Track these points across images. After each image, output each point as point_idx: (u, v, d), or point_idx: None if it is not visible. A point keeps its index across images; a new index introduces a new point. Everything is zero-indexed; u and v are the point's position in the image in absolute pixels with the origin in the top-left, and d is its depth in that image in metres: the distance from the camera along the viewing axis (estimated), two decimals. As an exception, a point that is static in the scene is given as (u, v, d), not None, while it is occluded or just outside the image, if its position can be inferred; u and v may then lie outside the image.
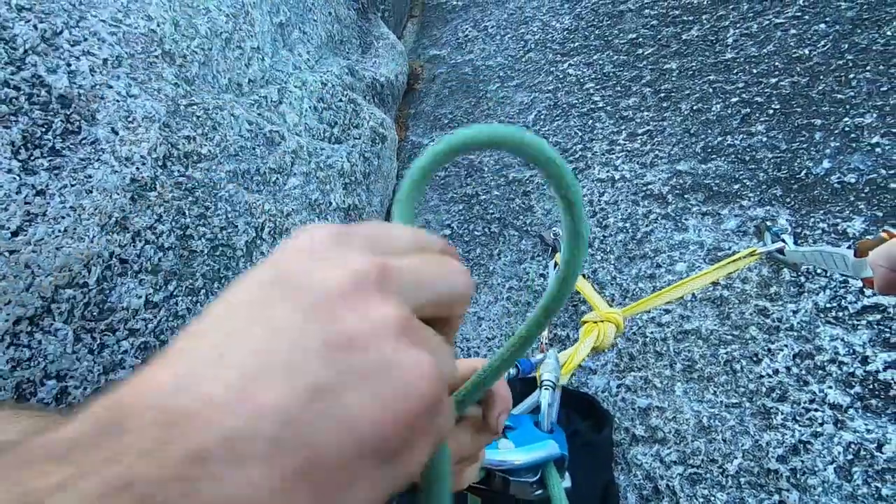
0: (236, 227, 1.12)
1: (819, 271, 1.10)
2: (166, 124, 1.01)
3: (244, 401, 0.15)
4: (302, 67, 1.59)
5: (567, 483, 0.52)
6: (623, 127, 1.66)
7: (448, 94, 2.29)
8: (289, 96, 1.44)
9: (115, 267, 0.86)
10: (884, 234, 0.57)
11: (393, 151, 1.93)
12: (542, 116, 1.89)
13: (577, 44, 2.09)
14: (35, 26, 0.85)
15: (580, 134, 1.73)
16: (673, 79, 1.70)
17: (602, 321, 0.80)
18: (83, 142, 0.86)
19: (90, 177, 0.85)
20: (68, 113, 0.85)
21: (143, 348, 0.91)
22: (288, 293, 0.18)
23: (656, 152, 1.53)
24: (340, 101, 1.64)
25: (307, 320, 0.17)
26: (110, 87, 0.93)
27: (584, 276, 1.33)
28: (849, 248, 0.70)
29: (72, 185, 0.82)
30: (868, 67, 1.37)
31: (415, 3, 3.11)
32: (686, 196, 1.38)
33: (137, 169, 0.93)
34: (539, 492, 0.50)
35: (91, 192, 0.84)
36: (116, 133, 0.91)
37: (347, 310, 0.18)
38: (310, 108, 1.51)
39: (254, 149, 1.22)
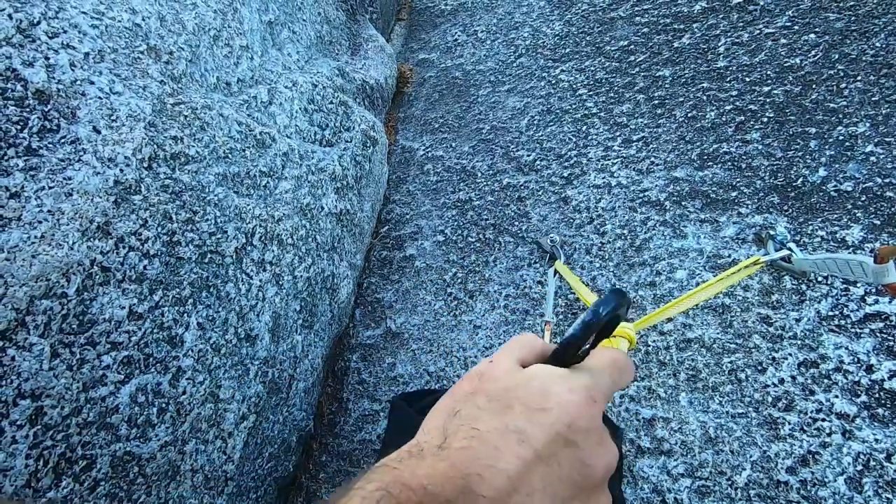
0: (226, 232, 1.06)
1: (820, 279, 1.10)
2: (152, 124, 0.95)
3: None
4: (292, 68, 1.54)
5: None
6: (618, 133, 1.65)
7: (438, 98, 2.26)
8: (279, 97, 1.39)
9: (96, 276, 0.80)
10: None
11: (384, 155, 1.89)
12: (536, 121, 1.87)
13: (568, 50, 2.09)
14: (10, 16, 0.79)
15: (574, 140, 1.72)
16: (666, 86, 1.70)
17: (615, 337, 0.77)
18: (62, 141, 0.80)
19: (70, 178, 0.78)
20: (46, 109, 0.79)
21: (127, 363, 0.84)
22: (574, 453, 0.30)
23: (652, 159, 1.52)
24: (331, 103, 1.60)
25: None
26: (92, 83, 0.87)
27: (585, 283, 1.31)
28: (867, 254, 0.69)
29: (50, 188, 0.76)
30: (859, 77, 1.39)
31: (402, 6, 3.08)
32: (684, 203, 1.37)
33: (121, 171, 0.86)
34: None
35: (71, 194, 0.78)
36: (99, 132, 0.85)
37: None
38: (300, 109, 1.46)
39: (244, 151, 1.17)
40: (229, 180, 1.10)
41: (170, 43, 1.07)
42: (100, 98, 0.87)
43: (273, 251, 1.19)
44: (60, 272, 0.75)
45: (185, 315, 0.96)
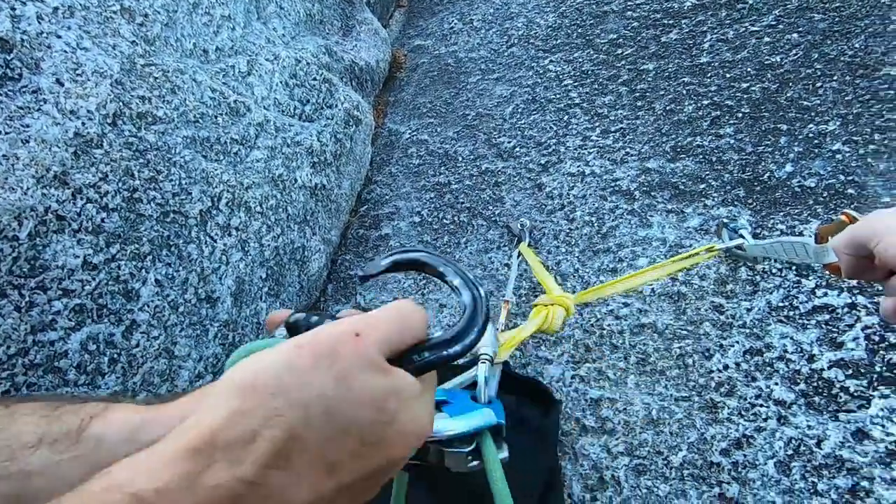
0: (190, 194, 1.08)
1: (774, 271, 1.11)
2: (119, 82, 0.97)
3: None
4: (276, 42, 1.56)
5: (504, 454, 0.50)
6: (597, 124, 1.66)
7: (429, 84, 2.27)
8: (259, 69, 1.41)
9: (50, 223, 0.83)
10: (843, 218, 0.55)
11: (368, 136, 1.91)
12: (520, 110, 1.88)
13: (559, 41, 2.10)
14: (-23, -35, 0.81)
15: (555, 128, 1.73)
16: (649, 79, 1.71)
17: (552, 304, 0.79)
18: (23, 90, 0.82)
19: (28, 126, 0.81)
20: (8, 58, 0.81)
21: (79, 310, 0.87)
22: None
23: (627, 149, 1.53)
24: (315, 79, 1.61)
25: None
26: (59, 36, 0.89)
27: (545, 265, 1.32)
28: (809, 235, 0.70)
29: (6, 133, 0.78)
30: (835, 77, 1.39)
31: (403, -7, 3.08)
32: (653, 193, 1.39)
33: (83, 124, 0.89)
34: (474, 463, 0.48)
35: (28, 142, 0.80)
36: (62, 84, 0.87)
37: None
38: (281, 83, 1.48)
39: (216, 117, 1.19)
40: (198, 144, 1.12)
41: (145, 5, 1.09)
42: (66, 52, 0.89)
43: (240, 217, 1.21)
44: (12, 215, 0.77)
45: (143, 271, 0.98)
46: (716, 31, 1.73)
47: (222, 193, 1.16)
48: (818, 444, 0.89)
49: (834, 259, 0.56)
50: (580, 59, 1.94)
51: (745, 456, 0.92)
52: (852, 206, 1.14)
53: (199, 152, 1.12)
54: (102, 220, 0.91)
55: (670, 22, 1.87)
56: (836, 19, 1.53)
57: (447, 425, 0.47)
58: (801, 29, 1.57)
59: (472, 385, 0.64)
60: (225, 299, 1.17)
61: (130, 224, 0.96)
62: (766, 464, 0.90)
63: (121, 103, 0.96)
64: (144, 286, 0.99)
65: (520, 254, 1.30)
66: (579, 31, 2.08)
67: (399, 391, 0.29)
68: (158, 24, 1.12)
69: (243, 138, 1.26)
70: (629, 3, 2.06)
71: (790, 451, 0.90)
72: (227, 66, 1.30)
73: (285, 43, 1.61)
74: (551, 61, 2.02)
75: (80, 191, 0.87)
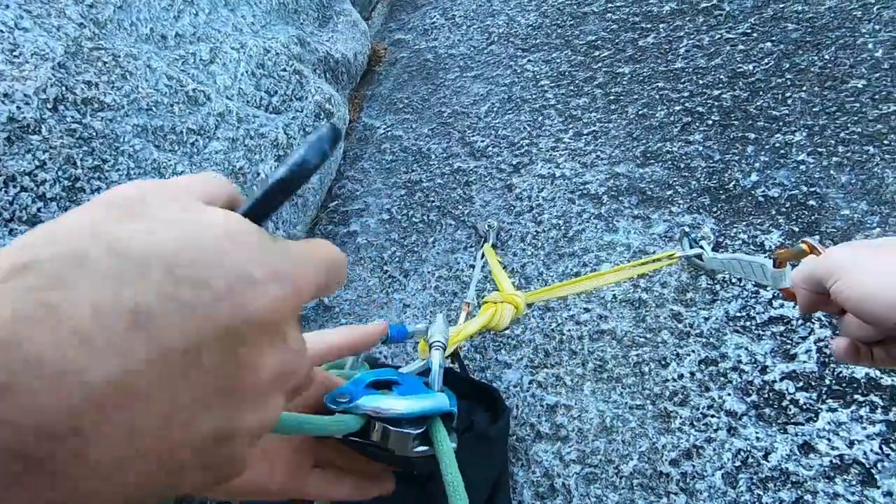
0: (139, 185, 1.04)
1: (734, 280, 1.11)
2: (62, 65, 0.93)
3: None
4: (244, 30, 1.51)
5: (454, 444, 0.47)
6: (570, 126, 1.65)
7: (407, 79, 2.24)
8: (223, 57, 1.37)
9: (-23, 211, 0.78)
10: (804, 246, 0.54)
11: (341, 130, 1.87)
12: (496, 109, 1.86)
13: (538, 40, 2.08)
14: None
15: (529, 129, 1.71)
16: (624, 83, 1.70)
17: (501, 302, 0.77)
18: (-50, 70, 0.78)
19: (-47, 108, 0.76)
20: (-66, 36, 0.77)
21: (9, 304, 0.83)
22: None
23: (598, 153, 1.52)
24: (284, 70, 1.57)
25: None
26: (-5, 15, 0.85)
27: (506, 267, 1.31)
28: (767, 257, 0.69)
29: (-72, 115, 0.74)
30: (804, 88, 1.39)
31: (387, -14, 3.04)
32: (620, 198, 1.38)
33: (18, 108, 0.84)
34: (421, 448, 0.44)
35: (-47, 125, 0.76)
36: (-5, 66, 0.83)
37: None
38: (247, 72, 1.43)
39: (171, 105, 1.15)
40: (150, 133, 1.08)
41: (96, -14, 1.04)
42: (1, 32, 0.85)
43: (195, 210, 1.17)
44: (-68, 202, 0.73)
45: (85, 263, 0.94)
46: (692, 36, 1.73)
47: (176, 185, 1.12)
48: (765, 457, 0.88)
49: (789, 285, 0.55)
50: (558, 60, 1.93)
51: (693, 466, 0.92)
52: (812, 217, 1.14)
53: (151, 141, 1.08)
54: (39, 210, 0.87)
55: (648, 26, 1.86)
56: (809, 30, 1.54)
57: (396, 404, 0.43)
58: (774, 38, 1.57)
59: (426, 373, 0.61)
60: (176, 294, 1.13)
61: (71, 214, 0.92)
62: (713, 475, 0.89)
63: (63, 88, 0.92)
64: (85, 280, 0.95)
65: (483, 255, 1.29)
66: (559, 31, 2.07)
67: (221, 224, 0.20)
68: (111, 7, 1.08)
69: (201, 128, 1.22)
70: (609, 5, 2.05)
71: (738, 463, 0.89)
72: (187, 53, 1.26)
73: (254, 31, 1.56)
74: (529, 61, 2.00)
75: (13, 178, 0.83)
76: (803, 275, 0.46)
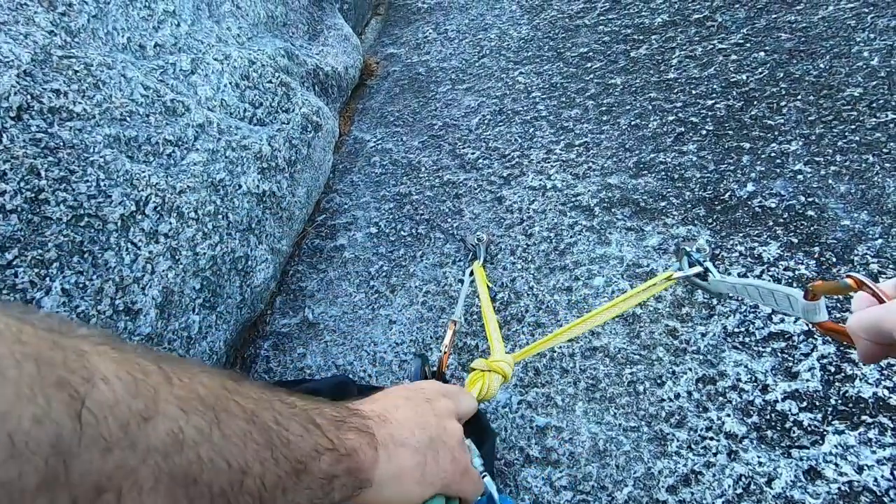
0: (109, 196, 1.00)
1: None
2: (28, 73, 0.90)
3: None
4: (229, 42, 1.49)
5: None
6: (562, 137, 1.62)
7: (399, 93, 2.22)
8: (205, 68, 1.34)
9: (-73, 224, 0.74)
10: (850, 282, 0.47)
11: (329, 143, 1.84)
12: (487, 121, 1.83)
13: (530, 53, 2.06)
14: None
15: (520, 141, 1.68)
16: (616, 94, 1.67)
17: (489, 371, 0.71)
18: None
19: None
20: None
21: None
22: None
23: (590, 164, 1.48)
24: (270, 82, 1.55)
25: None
26: (-44, 21, 0.82)
27: (504, 285, 1.26)
28: (797, 286, 0.63)
29: None
30: (799, 97, 1.36)
31: (380, 2, 3.05)
32: (613, 210, 1.34)
33: (-23, 116, 0.81)
34: None
35: None
36: (-47, 72, 0.79)
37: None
38: (230, 84, 1.41)
39: (147, 116, 1.11)
40: (122, 143, 1.05)
41: (69, -6, 1.01)
42: (-38, 37, 0.82)
43: (170, 223, 1.13)
44: None
45: (48, 279, 0.90)
46: (685, 47, 1.71)
47: (150, 198, 1.08)
48: (769, 483, 0.82)
49: (825, 318, 0.49)
50: (550, 72, 1.91)
51: (692, 494, 0.86)
52: (811, 228, 1.10)
53: (124, 152, 1.05)
54: (-4, 223, 0.83)
55: (641, 37, 1.85)
56: (803, 39, 1.51)
57: None
58: (767, 48, 1.54)
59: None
60: (148, 311, 1.08)
61: (33, 228, 0.88)
62: (713, 503, 0.83)
63: (28, 96, 0.89)
64: (48, 296, 0.90)
65: (472, 272, 1.24)
66: (551, 43, 2.05)
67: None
68: (85, 15, 1.05)
69: (179, 139, 1.18)
70: (601, 18, 2.04)
71: (739, 490, 0.83)
72: (166, 64, 1.23)
73: (239, 43, 1.54)
74: (521, 73, 1.98)
75: (-31, 189, 0.79)
76: (866, 325, 0.40)
